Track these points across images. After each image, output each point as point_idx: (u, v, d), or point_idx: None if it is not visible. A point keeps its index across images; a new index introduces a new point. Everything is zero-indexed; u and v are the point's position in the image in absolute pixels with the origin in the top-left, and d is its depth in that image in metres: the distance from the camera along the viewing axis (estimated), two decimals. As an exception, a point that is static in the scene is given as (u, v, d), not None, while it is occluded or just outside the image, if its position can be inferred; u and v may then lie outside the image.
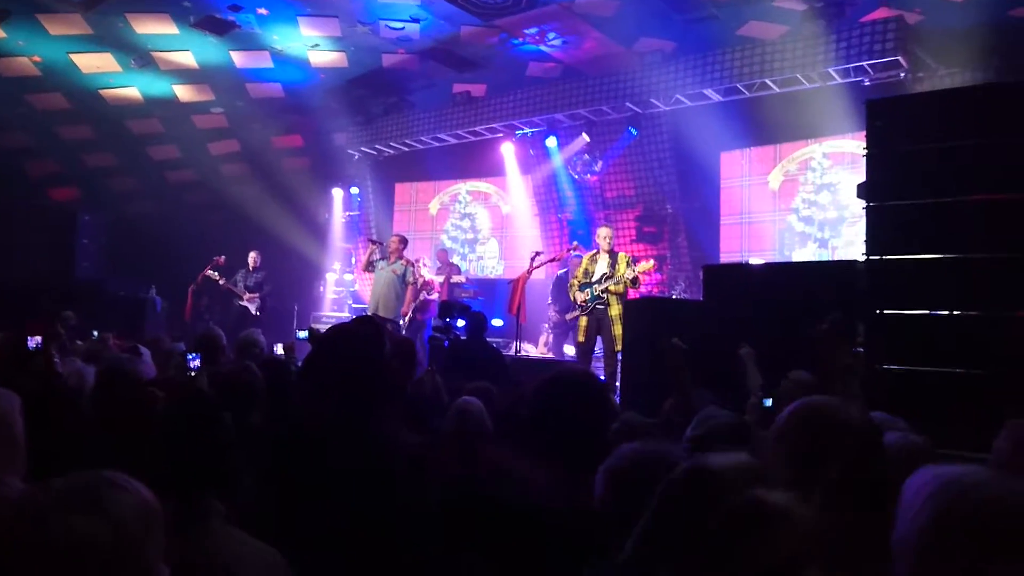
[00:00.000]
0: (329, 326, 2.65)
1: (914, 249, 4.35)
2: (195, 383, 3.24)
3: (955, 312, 4.18)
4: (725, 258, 10.91)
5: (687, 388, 3.33)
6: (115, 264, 13.11)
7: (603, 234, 8.18)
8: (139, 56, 11.13)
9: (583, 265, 8.15)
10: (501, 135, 12.46)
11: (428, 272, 11.60)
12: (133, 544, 1.21)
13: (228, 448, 1.91)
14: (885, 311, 4.40)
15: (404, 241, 9.58)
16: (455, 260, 12.63)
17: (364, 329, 2.47)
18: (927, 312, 4.29)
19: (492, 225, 13.96)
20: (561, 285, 10.22)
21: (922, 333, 4.26)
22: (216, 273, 10.43)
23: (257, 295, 10.64)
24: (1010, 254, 4.03)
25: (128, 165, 14.01)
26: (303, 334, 4.29)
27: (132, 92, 12.20)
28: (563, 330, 10.15)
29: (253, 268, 10.83)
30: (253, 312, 10.51)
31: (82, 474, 1.27)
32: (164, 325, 10.72)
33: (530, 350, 10.80)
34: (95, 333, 6.85)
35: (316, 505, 1.98)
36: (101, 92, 12.03)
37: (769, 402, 3.52)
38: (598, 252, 8.09)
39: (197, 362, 3.46)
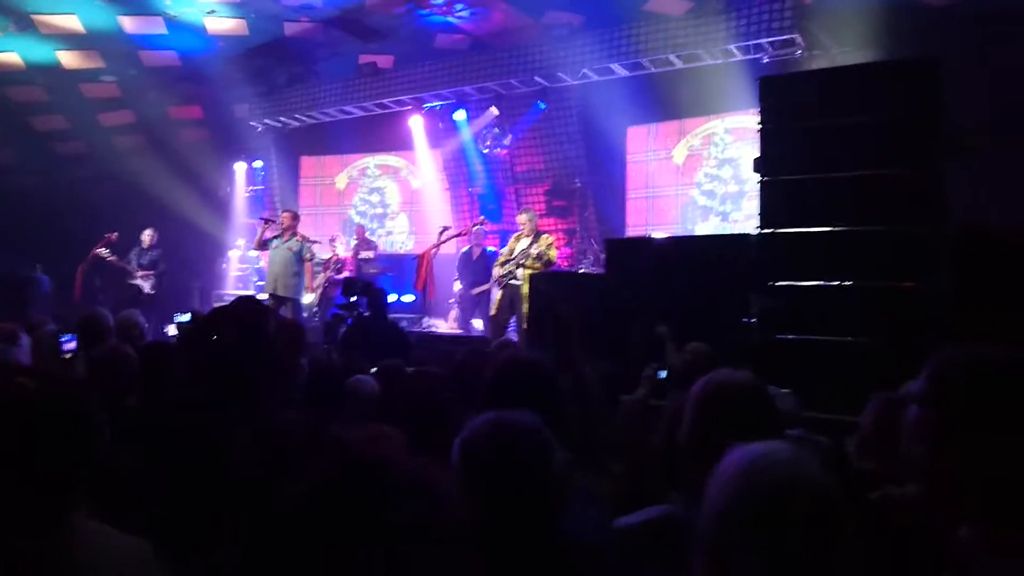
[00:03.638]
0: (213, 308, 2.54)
1: (803, 222, 4.50)
2: (70, 369, 3.06)
3: (839, 283, 4.35)
4: (631, 232, 11.09)
5: (575, 345, 3.34)
6: (-4, 241, 12.31)
7: (523, 219, 8.42)
8: (18, 19, 10.39)
9: (508, 244, 8.41)
10: (409, 108, 12.25)
11: (342, 248, 11.39)
12: None
13: (92, 440, 1.79)
14: (776, 283, 4.55)
15: (296, 217, 9.32)
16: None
17: (245, 309, 2.38)
18: (814, 284, 4.45)
19: (401, 200, 13.77)
20: (466, 260, 10.17)
21: (809, 304, 4.42)
22: (107, 251, 9.93)
23: (152, 273, 10.21)
24: (891, 227, 4.21)
25: (7, 135, 13.13)
26: (184, 317, 4.11)
27: (11, 57, 11.41)
28: (470, 305, 10.12)
29: (149, 246, 10.38)
30: (147, 291, 10.09)
31: None
32: (52, 306, 10.14)
33: (440, 325, 10.75)
34: None
35: (187, 490, 1.89)
36: (-24, 57, 11.22)
37: (664, 374, 3.58)
38: (520, 233, 8.33)
39: (72, 344, 3.26)
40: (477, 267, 9.83)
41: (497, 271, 8.30)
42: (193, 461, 1.97)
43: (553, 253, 8.20)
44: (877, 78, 4.67)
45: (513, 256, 8.13)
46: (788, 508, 1.14)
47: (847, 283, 4.37)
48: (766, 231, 4.62)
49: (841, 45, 8.95)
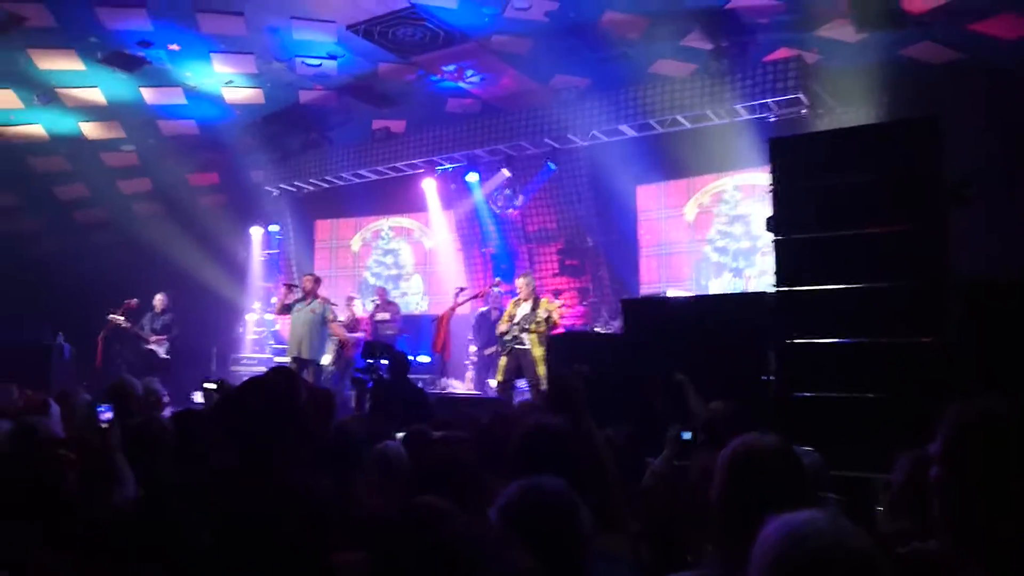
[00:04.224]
0: (246, 379, 2.60)
1: (817, 280, 4.56)
2: (107, 438, 3.11)
3: (856, 340, 4.38)
4: (645, 289, 11.15)
5: (581, 410, 3.37)
6: (18, 309, 12.47)
7: (521, 283, 8.59)
8: (43, 92, 10.74)
9: (508, 310, 8.55)
10: (422, 171, 12.49)
11: (360, 308, 11.51)
12: None
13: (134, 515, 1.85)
14: (794, 340, 4.59)
15: (318, 280, 9.52)
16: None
17: (279, 379, 2.44)
18: (831, 340, 4.48)
19: (415, 260, 13.92)
20: (482, 321, 10.31)
21: (827, 361, 4.45)
22: (121, 317, 10.09)
23: (165, 337, 10.35)
24: (902, 282, 4.26)
25: (31, 205, 13.43)
26: (211, 384, 4.17)
27: (36, 129, 11.74)
28: (484, 365, 10.19)
29: (161, 311, 10.55)
30: (162, 355, 10.22)
31: None
32: (74, 373, 10.24)
33: (456, 386, 10.77)
34: None
35: (221, 557, 1.93)
36: (2, 129, 11.54)
37: (688, 435, 3.60)
38: (519, 298, 8.48)
39: (108, 414, 3.32)
40: (494, 329, 9.91)
41: (501, 327, 8.44)
42: (224, 527, 2.01)
43: (557, 316, 8.38)
44: (882, 137, 4.80)
45: (516, 321, 8.28)
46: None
47: (863, 340, 4.40)
48: (782, 289, 4.68)
49: (844, 104, 9.15)
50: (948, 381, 4.01)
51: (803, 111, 9.17)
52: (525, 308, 8.33)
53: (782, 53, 9.35)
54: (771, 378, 4.77)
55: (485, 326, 10.18)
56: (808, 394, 4.48)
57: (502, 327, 8.41)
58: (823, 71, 9.35)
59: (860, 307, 4.43)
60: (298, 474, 2.31)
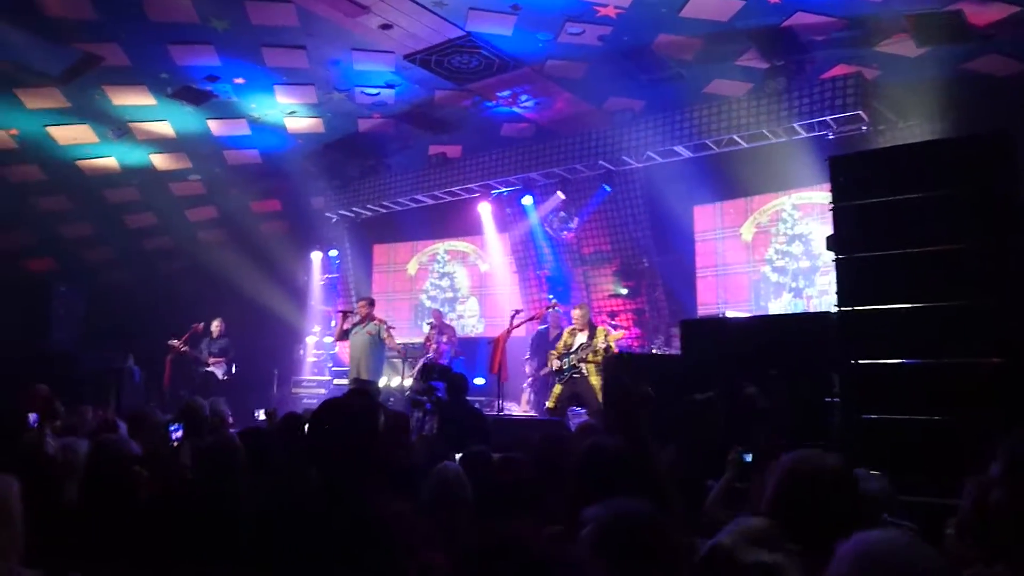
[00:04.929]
0: (325, 399, 2.65)
1: (881, 299, 4.46)
2: (178, 457, 3.22)
3: (923, 360, 4.27)
4: (702, 310, 11.04)
5: (643, 430, 3.31)
6: (91, 334, 12.98)
7: (577, 314, 8.65)
8: (116, 127, 11.24)
9: (563, 339, 8.59)
10: (477, 195, 12.63)
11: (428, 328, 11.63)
12: None
13: (208, 531, 1.90)
14: (859, 361, 4.49)
15: (372, 303, 9.74)
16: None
17: (358, 402, 2.49)
18: (899, 361, 4.37)
19: (471, 283, 14.04)
20: (540, 340, 10.31)
21: (895, 382, 4.34)
22: (179, 342, 10.49)
23: (222, 360, 10.69)
24: (967, 301, 4.14)
25: (105, 234, 14.00)
26: (260, 415, 4.26)
27: (109, 162, 12.27)
28: (541, 386, 10.17)
29: (218, 335, 10.91)
30: (220, 377, 10.57)
31: None
32: (143, 394, 10.61)
33: (513, 408, 10.78)
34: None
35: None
36: (78, 163, 12.09)
37: (749, 457, 3.54)
38: (575, 327, 8.56)
39: (179, 433, 3.44)
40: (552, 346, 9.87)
41: (555, 363, 8.47)
42: (309, 550, 2.06)
43: (613, 344, 8.40)
44: (948, 152, 4.68)
45: (572, 350, 8.32)
46: None
47: (930, 360, 4.28)
48: (844, 308, 4.59)
49: (906, 120, 8.97)
50: (1018, 404, 3.87)
51: (863, 128, 9.01)
52: (581, 338, 8.38)
53: (840, 70, 9.22)
54: (835, 400, 4.67)
55: (543, 346, 10.18)
56: (874, 416, 4.37)
57: (556, 359, 8.44)
58: (883, 87, 9.18)
59: (927, 327, 4.31)
60: (377, 496, 2.35)
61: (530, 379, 10.64)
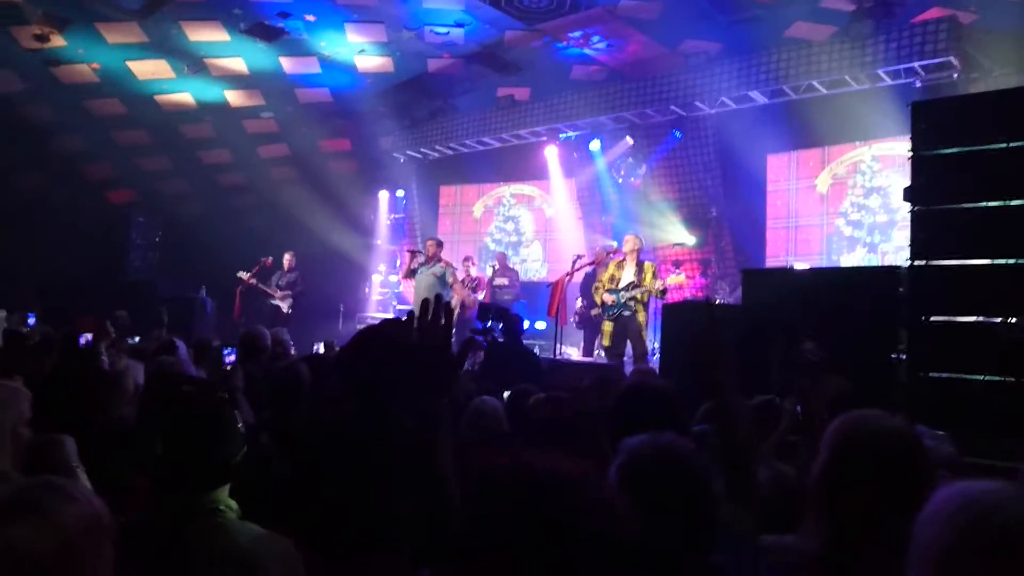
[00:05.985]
0: (360, 329, 2.69)
1: (959, 254, 4.24)
2: (230, 380, 3.32)
3: (1002, 320, 4.06)
4: (771, 263, 10.75)
5: (728, 392, 3.24)
6: (167, 265, 13.48)
7: (628, 241, 8.30)
8: (192, 62, 11.44)
9: (609, 270, 8.26)
10: (545, 138, 12.48)
11: (475, 270, 11.69)
12: (76, 556, 1.15)
13: (235, 446, 1.93)
14: (928, 317, 4.30)
15: (440, 244, 9.80)
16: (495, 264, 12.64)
17: (391, 327, 2.50)
18: (973, 319, 4.18)
19: (536, 228, 13.98)
20: (590, 280, 9.90)
21: (967, 340, 4.15)
22: (247, 274, 10.71)
23: (289, 293, 10.87)
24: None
25: (181, 168, 14.41)
26: (320, 347, 4.36)
27: (185, 97, 12.54)
28: (594, 328, 9.82)
29: (289, 268, 11.08)
30: (285, 310, 10.74)
31: (28, 481, 1.21)
32: (214, 325, 10.98)
33: (572, 352, 10.76)
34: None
35: (341, 500, 2.00)
36: (156, 98, 12.40)
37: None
38: (624, 259, 8.22)
39: (231, 357, 3.55)
40: None
41: (606, 297, 8.06)
42: (345, 471, 2.09)
43: (673, 279, 8.24)
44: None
45: (621, 287, 7.98)
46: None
47: (1011, 319, 4.07)
48: (918, 263, 4.38)
49: (1003, 66, 8.41)
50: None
51: (955, 75, 8.51)
52: (629, 273, 8.03)
53: (934, 13, 8.68)
54: (901, 357, 4.50)
55: (592, 285, 9.78)
56: (943, 375, 4.20)
57: (604, 293, 8.08)
58: (979, 32, 8.62)
59: (1006, 284, 4.09)
60: (407, 414, 2.36)
61: (575, 319, 10.37)
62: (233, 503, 1.80)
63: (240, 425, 1.87)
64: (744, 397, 3.85)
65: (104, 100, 12.34)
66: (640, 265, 8.08)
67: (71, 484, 1.24)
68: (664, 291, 7.97)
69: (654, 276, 8.02)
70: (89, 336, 4.15)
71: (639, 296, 7.89)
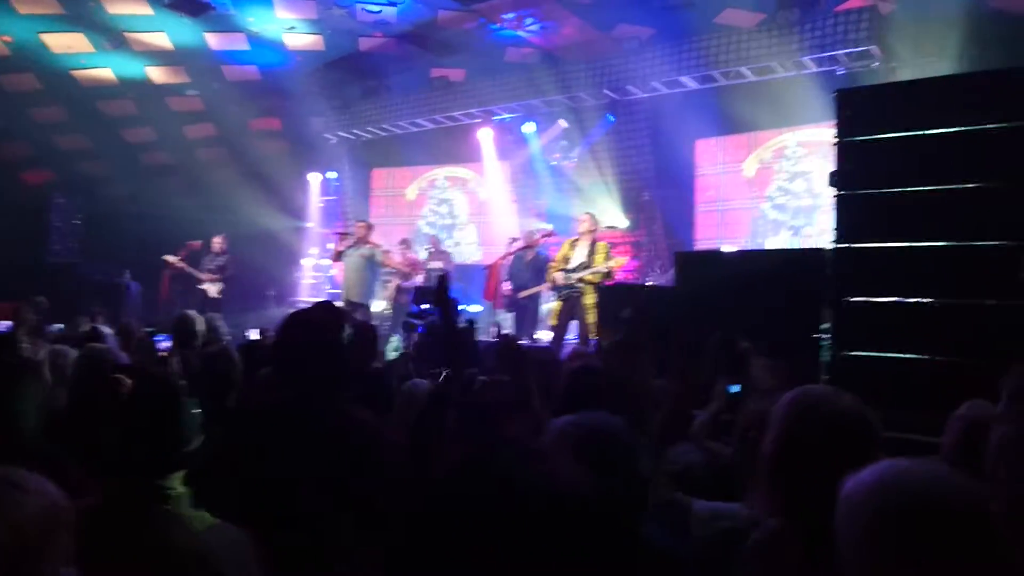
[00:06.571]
0: (289, 313, 2.66)
1: (880, 237, 4.42)
2: (166, 367, 3.24)
3: (918, 300, 4.26)
4: (700, 245, 10.99)
5: (644, 358, 3.30)
6: (89, 248, 12.97)
7: (584, 219, 8.17)
8: (112, 36, 10.97)
9: (563, 250, 8.15)
10: (479, 120, 12.44)
11: (410, 253, 11.61)
12: (30, 548, 1.16)
13: (187, 433, 1.92)
14: (850, 298, 4.48)
15: (371, 227, 9.68)
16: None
17: (321, 314, 2.49)
18: (891, 300, 4.36)
19: (470, 211, 13.95)
20: (518, 262, 9.81)
21: (886, 320, 4.34)
22: (175, 258, 10.40)
23: (218, 277, 10.59)
24: (971, 243, 4.11)
25: (102, 148, 13.82)
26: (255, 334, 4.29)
27: (105, 73, 12.03)
28: (518, 309, 9.53)
29: (219, 252, 10.79)
30: (213, 294, 10.45)
31: None
32: (141, 309, 10.65)
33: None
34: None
35: (275, 483, 2.00)
36: (73, 73, 11.85)
37: (735, 388, 3.56)
38: (578, 239, 8.10)
39: (166, 344, 3.46)
40: (530, 269, 9.33)
41: (559, 276, 7.97)
42: (278, 454, 2.08)
43: (616, 262, 8.03)
44: (967, 89, 4.54)
45: (572, 267, 7.90)
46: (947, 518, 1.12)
47: (927, 300, 4.26)
48: (841, 245, 4.55)
49: (923, 56, 8.75)
50: (1013, 345, 3.87)
51: (875, 64, 8.82)
52: (581, 253, 7.91)
53: (855, 2, 8.96)
54: (823, 336, 4.68)
55: (520, 268, 9.46)
56: (863, 353, 4.38)
57: (556, 271, 7.98)
58: (899, 22, 8.94)
59: (924, 267, 4.28)
60: (340, 405, 2.37)
61: (504, 301, 10.18)
62: (185, 490, 1.79)
63: (196, 412, 1.85)
64: (683, 377, 3.96)
65: (17, 75, 11.74)
66: (593, 245, 7.94)
67: (25, 476, 1.21)
68: (609, 273, 7.84)
69: (607, 257, 7.86)
70: (8, 323, 3.98)
71: (588, 277, 7.77)
